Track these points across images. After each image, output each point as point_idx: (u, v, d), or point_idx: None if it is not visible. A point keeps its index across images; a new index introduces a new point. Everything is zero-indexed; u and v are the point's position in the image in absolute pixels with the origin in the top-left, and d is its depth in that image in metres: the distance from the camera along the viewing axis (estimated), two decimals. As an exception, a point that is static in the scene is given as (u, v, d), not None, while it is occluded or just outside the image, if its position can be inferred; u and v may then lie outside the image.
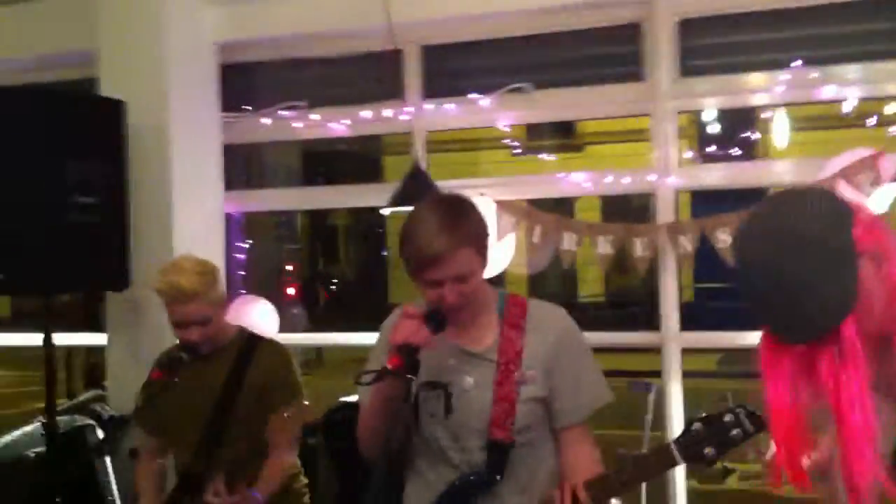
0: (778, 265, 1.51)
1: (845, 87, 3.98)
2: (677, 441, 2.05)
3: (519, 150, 17.64)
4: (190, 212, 4.50)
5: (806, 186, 1.65)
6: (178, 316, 3.11)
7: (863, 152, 3.76)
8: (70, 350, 8.83)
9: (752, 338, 4.49)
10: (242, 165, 5.39)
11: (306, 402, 3.19)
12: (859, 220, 1.51)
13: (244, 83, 4.99)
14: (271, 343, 3.40)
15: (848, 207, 1.54)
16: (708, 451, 2.02)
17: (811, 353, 1.53)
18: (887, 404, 1.62)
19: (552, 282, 20.01)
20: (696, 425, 2.04)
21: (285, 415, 3.07)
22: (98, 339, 4.74)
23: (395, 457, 2.28)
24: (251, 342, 3.32)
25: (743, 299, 1.60)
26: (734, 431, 2.01)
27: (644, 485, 3.63)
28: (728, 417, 2.02)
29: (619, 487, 2.11)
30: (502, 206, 4.24)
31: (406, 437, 2.29)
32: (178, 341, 3.24)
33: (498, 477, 2.26)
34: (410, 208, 2.30)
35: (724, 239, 3.91)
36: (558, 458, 2.35)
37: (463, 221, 2.20)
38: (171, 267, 3.14)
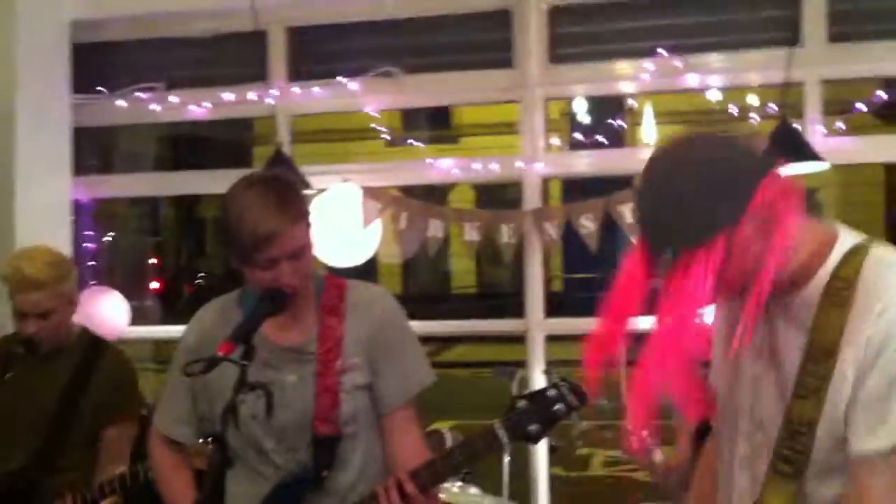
0: (671, 173, 1.51)
1: (708, 75, 4.04)
2: (502, 421, 2.01)
3: (392, 141, 17.59)
4: (34, 197, 4.25)
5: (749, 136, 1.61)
6: (19, 304, 2.93)
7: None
8: None
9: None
10: (97, 150, 5.11)
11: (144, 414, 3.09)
12: (767, 185, 1.47)
13: (99, 63, 4.73)
14: (117, 351, 3.25)
15: (767, 166, 1.50)
16: (532, 427, 1.99)
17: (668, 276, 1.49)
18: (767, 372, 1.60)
19: (425, 274, 20.08)
20: (521, 403, 2.01)
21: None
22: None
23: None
24: (96, 347, 3.16)
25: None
26: (557, 406, 1.99)
27: (506, 473, 3.61)
28: (551, 392, 2.00)
29: (447, 473, 2.07)
30: (368, 192, 4.14)
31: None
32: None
33: (324, 473, 2.19)
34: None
35: (587, 225, 3.92)
36: (385, 446, 2.30)
37: (291, 197, 2.14)
38: (21, 253, 3.00)
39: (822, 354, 1.47)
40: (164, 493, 2.38)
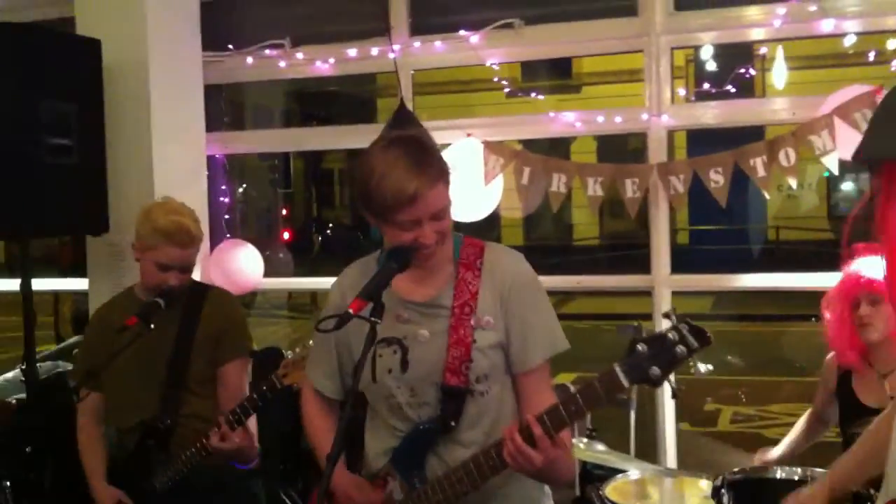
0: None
1: (844, 20, 3.86)
2: (622, 363, 1.98)
3: (512, 92, 17.40)
4: (170, 154, 4.38)
5: None
6: (171, 258, 3.04)
7: (860, 88, 3.66)
8: (57, 295, 8.79)
9: (742, 280, 4.45)
10: (228, 106, 5.26)
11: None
12: None
13: (226, 21, 4.85)
14: (219, 292, 3.35)
15: None
16: (653, 370, 1.95)
17: None
18: None
19: (547, 226, 19.98)
20: (640, 346, 1.97)
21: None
22: (80, 283, 4.66)
23: (359, 399, 2.22)
24: (198, 291, 3.25)
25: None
26: (678, 348, 1.94)
27: (633, 428, 3.59)
28: (672, 335, 1.95)
29: (570, 418, 2.04)
30: (490, 147, 4.14)
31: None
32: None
33: (453, 423, 2.22)
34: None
35: (716, 179, 3.83)
36: (517, 405, 2.31)
37: (431, 158, 2.17)
38: (164, 208, 3.09)
39: None
40: (311, 440, 2.46)
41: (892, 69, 4.03)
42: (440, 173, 2.15)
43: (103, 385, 3.17)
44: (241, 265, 4.45)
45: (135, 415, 3.11)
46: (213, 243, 4.66)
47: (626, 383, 1.98)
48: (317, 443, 2.44)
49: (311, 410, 2.48)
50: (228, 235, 4.87)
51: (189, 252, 3.08)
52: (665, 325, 1.99)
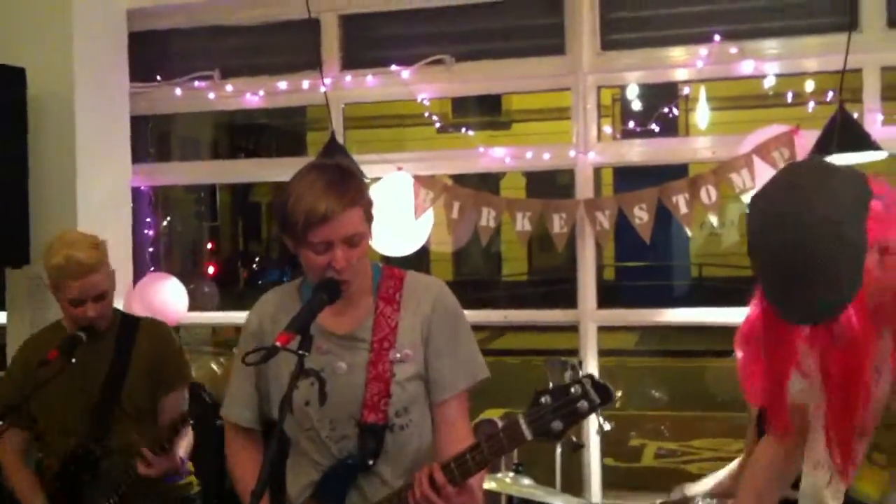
0: (796, 246, 1.54)
1: (763, 62, 3.99)
2: (525, 415, 1.99)
3: (442, 127, 17.53)
4: (95, 185, 4.33)
5: (831, 164, 1.67)
6: (76, 291, 2.97)
7: (778, 128, 3.78)
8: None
9: (667, 315, 4.53)
10: (154, 138, 5.20)
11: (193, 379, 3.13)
12: (873, 208, 1.55)
13: (154, 51, 4.81)
14: (152, 321, 3.31)
15: (868, 191, 1.56)
16: (555, 424, 1.97)
17: (814, 334, 1.59)
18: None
19: (476, 260, 20.07)
20: (544, 398, 1.98)
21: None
22: (-3, 317, 4.53)
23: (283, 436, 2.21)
24: (129, 321, 3.22)
25: (757, 275, 1.65)
26: (580, 403, 1.95)
27: (559, 463, 3.62)
28: (575, 389, 1.96)
29: (475, 466, 2.05)
30: (420, 181, 4.17)
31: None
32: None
33: (370, 462, 2.22)
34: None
35: (641, 216, 3.90)
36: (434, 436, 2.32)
37: (351, 183, 2.17)
38: (59, 243, 3.01)
39: None
40: (234, 477, 2.43)
41: (809, 110, 4.17)
42: (355, 199, 2.14)
43: (32, 418, 3.11)
44: (165, 298, 4.38)
45: (64, 446, 3.05)
46: (137, 277, 4.58)
47: (528, 435, 1.99)
48: (240, 481, 2.40)
49: (234, 448, 2.45)
50: (153, 269, 4.79)
51: (90, 280, 2.96)
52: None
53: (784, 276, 1.57)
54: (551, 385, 2.00)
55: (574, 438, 2.10)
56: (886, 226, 1.54)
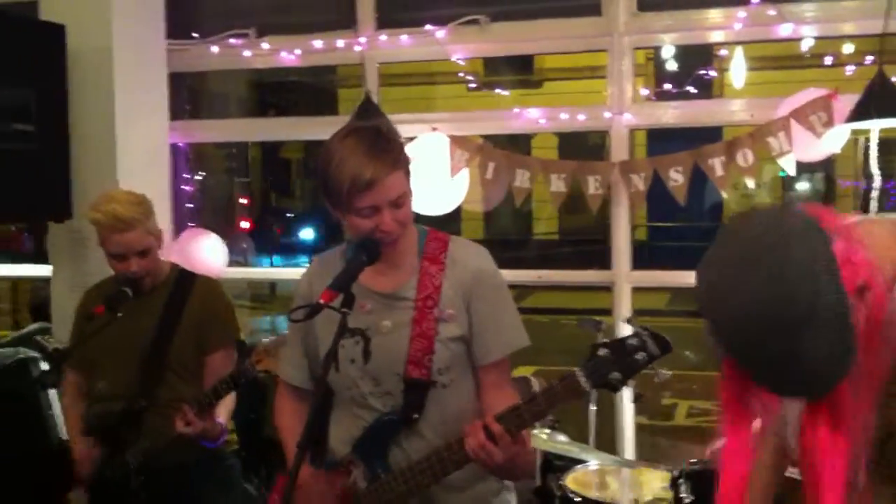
0: (764, 336, 1.34)
1: (802, 25, 3.95)
2: (583, 367, 2.02)
3: (475, 86, 17.49)
4: (134, 141, 4.37)
5: (783, 227, 1.37)
6: (117, 246, 3.02)
7: (816, 92, 3.75)
8: (15, 282, 8.67)
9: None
10: (190, 94, 5.24)
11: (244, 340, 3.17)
12: (838, 254, 1.32)
13: (191, 9, 4.84)
14: (207, 280, 3.34)
15: (826, 240, 1.33)
16: (614, 375, 1.99)
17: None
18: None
19: (507, 219, 20.06)
20: (602, 350, 2.00)
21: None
22: (42, 270, 4.63)
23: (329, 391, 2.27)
24: (186, 279, 3.26)
25: (720, 347, 1.47)
26: (639, 355, 1.98)
27: (592, 421, 3.66)
28: (632, 341, 1.99)
29: (531, 418, 2.08)
30: (455, 141, 4.18)
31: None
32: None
33: (415, 415, 2.25)
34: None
35: (676, 178, 3.91)
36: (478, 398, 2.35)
37: (389, 146, 2.18)
38: (103, 198, 3.06)
39: None
40: (280, 431, 2.48)
41: (847, 73, 4.13)
42: (398, 161, 2.16)
43: (83, 367, 3.20)
44: (204, 254, 4.45)
45: (113, 397, 3.12)
46: (176, 232, 4.65)
47: (587, 387, 2.02)
48: (284, 430, 2.46)
49: (282, 403, 2.51)
50: (191, 224, 4.86)
51: (132, 236, 3.01)
52: (626, 329, 2.03)
53: (757, 359, 1.38)
54: (604, 336, 2.01)
55: (636, 391, 2.10)
56: (856, 267, 1.32)
